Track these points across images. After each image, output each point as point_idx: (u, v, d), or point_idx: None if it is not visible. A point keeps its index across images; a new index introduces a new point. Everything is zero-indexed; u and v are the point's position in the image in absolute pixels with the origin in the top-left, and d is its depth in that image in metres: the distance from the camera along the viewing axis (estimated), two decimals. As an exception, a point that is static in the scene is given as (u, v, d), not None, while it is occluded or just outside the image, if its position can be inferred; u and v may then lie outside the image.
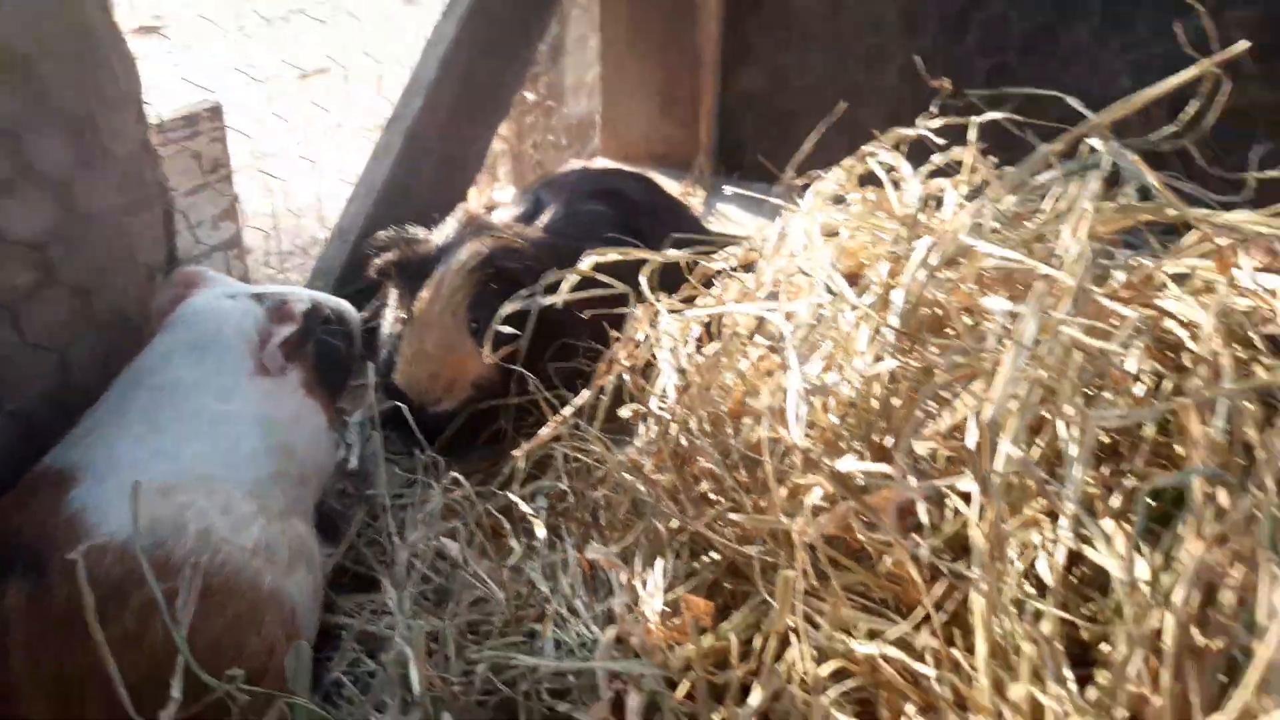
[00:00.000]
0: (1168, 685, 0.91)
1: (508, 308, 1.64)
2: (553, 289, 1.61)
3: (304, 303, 1.74)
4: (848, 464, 1.12)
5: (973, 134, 1.60)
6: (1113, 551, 0.96)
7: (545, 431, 1.58)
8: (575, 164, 3.33)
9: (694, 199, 3.01)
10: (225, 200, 2.30)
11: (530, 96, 4.95)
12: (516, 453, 1.58)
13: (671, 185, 3.12)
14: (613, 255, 1.65)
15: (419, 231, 2.05)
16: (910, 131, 1.63)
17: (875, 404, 1.34)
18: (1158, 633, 0.96)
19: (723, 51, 3.03)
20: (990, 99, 2.10)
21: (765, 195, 2.00)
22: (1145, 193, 1.78)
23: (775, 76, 2.99)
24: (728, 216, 2.92)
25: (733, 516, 1.24)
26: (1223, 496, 1.00)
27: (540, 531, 1.43)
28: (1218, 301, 1.13)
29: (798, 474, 1.20)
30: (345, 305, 1.87)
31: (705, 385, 1.48)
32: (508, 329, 1.66)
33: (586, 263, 1.63)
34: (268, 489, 1.49)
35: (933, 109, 1.70)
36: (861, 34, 2.78)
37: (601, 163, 3.32)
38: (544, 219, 2.20)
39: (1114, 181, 1.76)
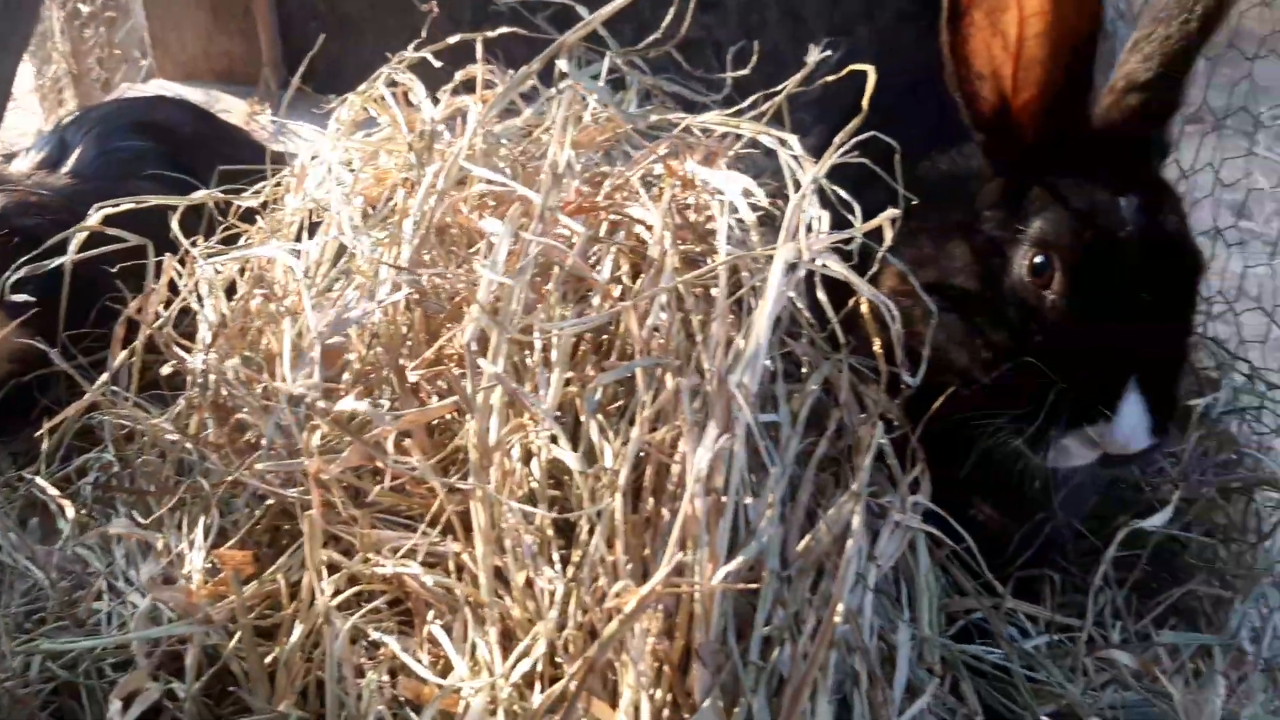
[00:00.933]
0: (620, 554, 1.06)
1: (15, 274, 1.52)
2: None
3: None
4: (348, 404, 1.18)
5: (479, 50, 1.66)
6: (569, 446, 1.10)
7: (77, 405, 1.50)
8: (115, 95, 3.05)
9: (262, 118, 2.87)
10: None
11: (85, 8, 4.39)
12: (40, 432, 1.50)
13: (238, 104, 2.96)
14: (126, 204, 1.56)
15: (-85, 194, 1.82)
16: (417, 54, 1.66)
17: (405, 330, 1.41)
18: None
19: (271, -46, 2.87)
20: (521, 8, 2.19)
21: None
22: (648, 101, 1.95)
23: (331, -20, 2.89)
24: (299, 134, 2.81)
25: (258, 466, 1.27)
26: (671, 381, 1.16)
27: (70, 512, 1.38)
28: (662, 204, 1.28)
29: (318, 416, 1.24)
30: None
31: (239, 332, 1.48)
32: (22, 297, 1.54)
33: (95, 216, 1.54)
34: None
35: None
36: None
37: (145, 89, 3.06)
38: (70, 163, 2.02)
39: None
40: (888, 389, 1.33)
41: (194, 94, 3.00)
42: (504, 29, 1.78)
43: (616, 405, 1.23)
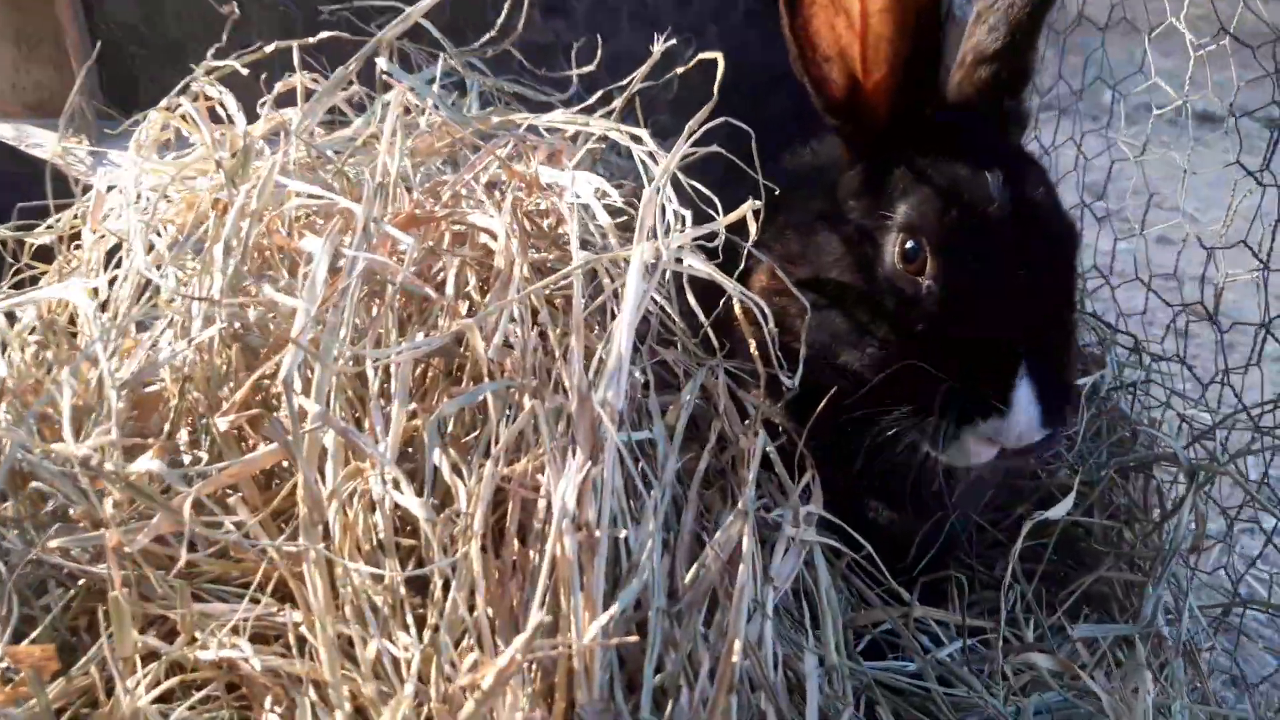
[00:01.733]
0: (483, 610, 0.92)
1: None
2: None
3: None
4: (142, 464, 1.00)
5: (296, 59, 1.49)
6: (413, 490, 0.95)
7: None
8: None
9: (79, 150, 2.61)
10: None
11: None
12: None
13: (52, 138, 2.70)
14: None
15: None
16: (226, 65, 1.48)
17: (223, 367, 1.23)
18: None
19: (78, -22, 2.62)
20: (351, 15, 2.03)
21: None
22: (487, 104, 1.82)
23: (149, 4, 2.65)
24: (117, 164, 2.57)
25: (53, 543, 1.08)
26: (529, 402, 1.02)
27: None
28: (505, 209, 1.14)
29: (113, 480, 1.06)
30: None
31: (33, 386, 1.27)
32: None
33: None
34: None
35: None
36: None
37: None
38: None
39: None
40: (769, 392, 1.22)
41: (2, 130, 2.73)
42: (325, 34, 1.63)
43: (474, 436, 1.08)
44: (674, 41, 1.45)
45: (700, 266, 1.06)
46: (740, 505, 1.10)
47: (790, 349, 1.19)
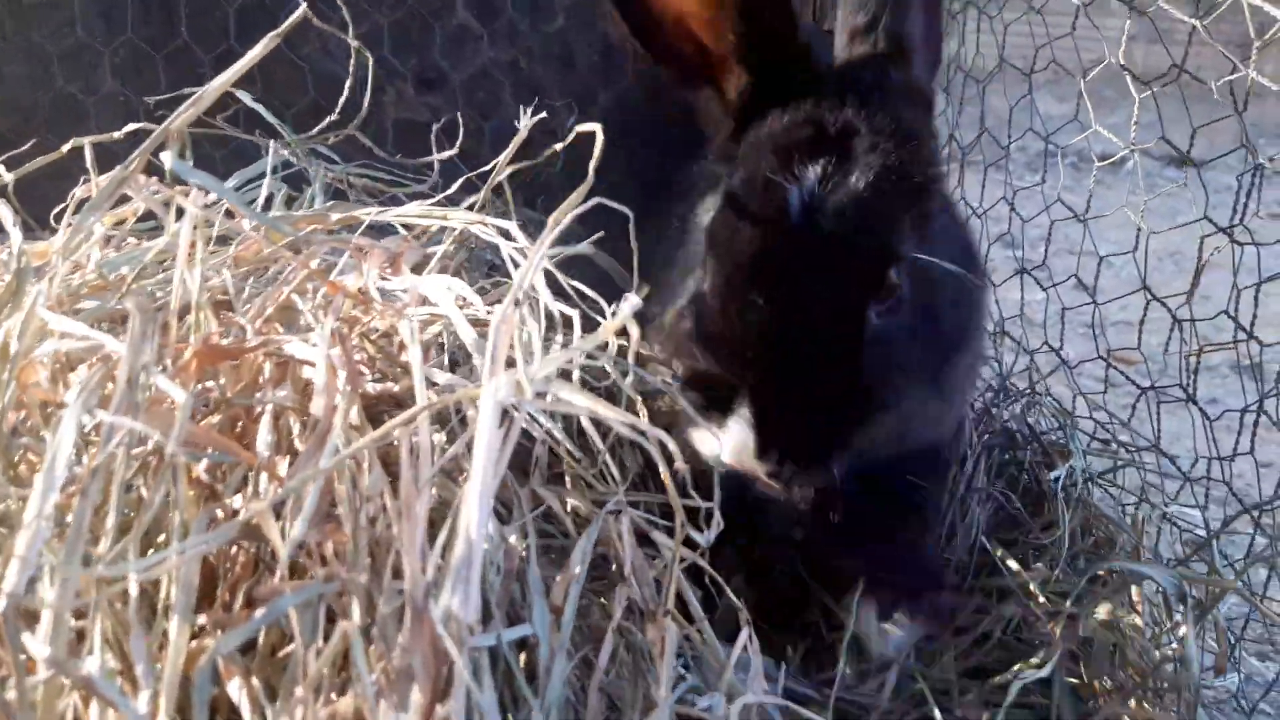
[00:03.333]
0: None
1: None
2: None
3: None
4: None
5: (90, 158, 1.22)
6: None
7: None
8: None
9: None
10: None
11: None
12: None
13: None
14: None
15: None
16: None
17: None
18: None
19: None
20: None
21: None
22: (341, 196, 1.57)
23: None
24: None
25: None
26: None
27: None
28: (322, 334, 0.88)
29: None
30: None
31: None
32: None
33: None
34: None
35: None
36: (58, 35, 2.25)
37: None
38: None
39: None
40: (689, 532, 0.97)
41: None
42: (133, 126, 1.36)
43: (282, 655, 0.80)
44: (542, 115, 1.22)
45: (578, 400, 0.81)
46: (662, 697, 0.85)
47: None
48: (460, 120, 1.88)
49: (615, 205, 0.99)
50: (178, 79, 2.26)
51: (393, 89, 2.23)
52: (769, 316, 1.08)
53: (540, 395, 0.79)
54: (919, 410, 1.23)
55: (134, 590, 0.73)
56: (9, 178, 1.24)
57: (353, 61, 1.54)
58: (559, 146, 1.32)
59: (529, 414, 0.95)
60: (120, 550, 0.77)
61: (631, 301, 0.82)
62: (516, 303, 0.82)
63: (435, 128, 1.59)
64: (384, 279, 1.01)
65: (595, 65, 2.23)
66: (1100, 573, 1.25)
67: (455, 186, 1.29)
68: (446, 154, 1.50)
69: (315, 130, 1.42)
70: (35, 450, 0.95)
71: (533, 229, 1.11)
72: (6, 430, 0.95)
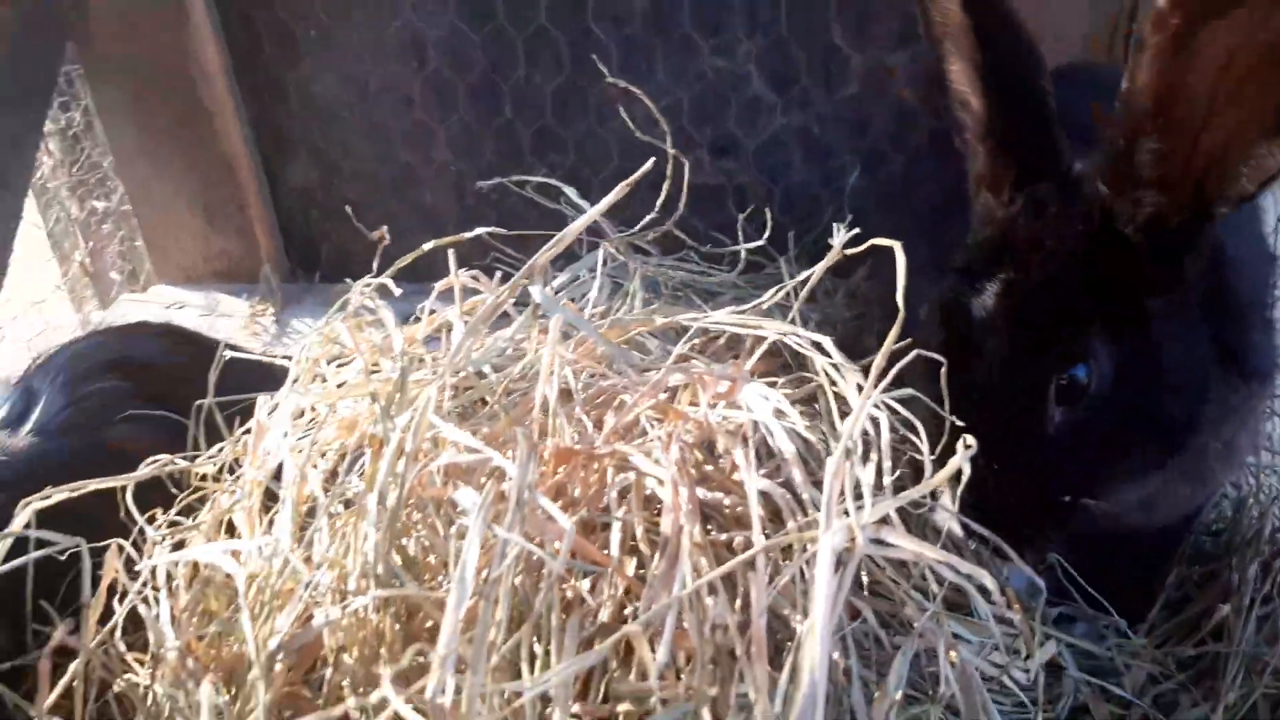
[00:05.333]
0: None
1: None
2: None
3: None
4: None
5: (452, 262, 1.42)
6: None
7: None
8: (110, 313, 2.92)
9: (264, 319, 2.69)
10: None
11: (99, 204, 4.36)
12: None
13: (240, 305, 2.80)
14: (59, 495, 1.34)
15: None
16: (378, 280, 1.42)
17: (379, 627, 1.14)
18: None
19: (260, 148, 2.73)
20: (512, 184, 1.98)
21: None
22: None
23: (325, 166, 2.73)
24: (303, 331, 2.63)
25: None
26: None
27: None
28: (669, 460, 1.00)
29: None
30: None
31: (189, 647, 1.22)
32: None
33: (21, 517, 1.31)
34: None
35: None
36: (397, 114, 2.58)
37: (143, 299, 2.92)
38: (34, 417, 1.82)
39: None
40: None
41: (194, 297, 2.86)
42: (482, 230, 1.56)
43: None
44: (855, 231, 1.29)
45: (905, 545, 0.88)
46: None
47: None
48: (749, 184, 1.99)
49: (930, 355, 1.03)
50: (502, 151, 2.54)
51: (691, 157, 2.38)
52: (957, 407, 1.09)
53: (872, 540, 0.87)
54: (1144, 494, 1.28)
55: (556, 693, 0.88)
56: (391, 285, 1.45)
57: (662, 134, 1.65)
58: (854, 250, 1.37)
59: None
60: (508, 654, 0.92)
61: (967, 450, 0.88)
62: (847, 452, 0.90)
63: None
64: (715, 403, 1.12)
65: (888, 130, 2.27)
66: None
67: (771, 295, 1.36)
68: (756, 244, 1.58)
69: (637, 228, 1.56)
70: (430, 539, 1.15)
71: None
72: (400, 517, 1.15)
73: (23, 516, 1.32)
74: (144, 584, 1.31)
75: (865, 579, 1.13)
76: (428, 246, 1.51)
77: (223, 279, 2.89)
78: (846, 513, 0.89)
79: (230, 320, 2.70)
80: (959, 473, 0.93)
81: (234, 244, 2.84)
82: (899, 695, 0.93)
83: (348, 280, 1.49)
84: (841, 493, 0.91)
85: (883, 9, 2.18)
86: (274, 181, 2.79)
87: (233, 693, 1.19)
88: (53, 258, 3.42)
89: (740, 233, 1.66)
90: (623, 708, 0.93)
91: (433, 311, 1.47)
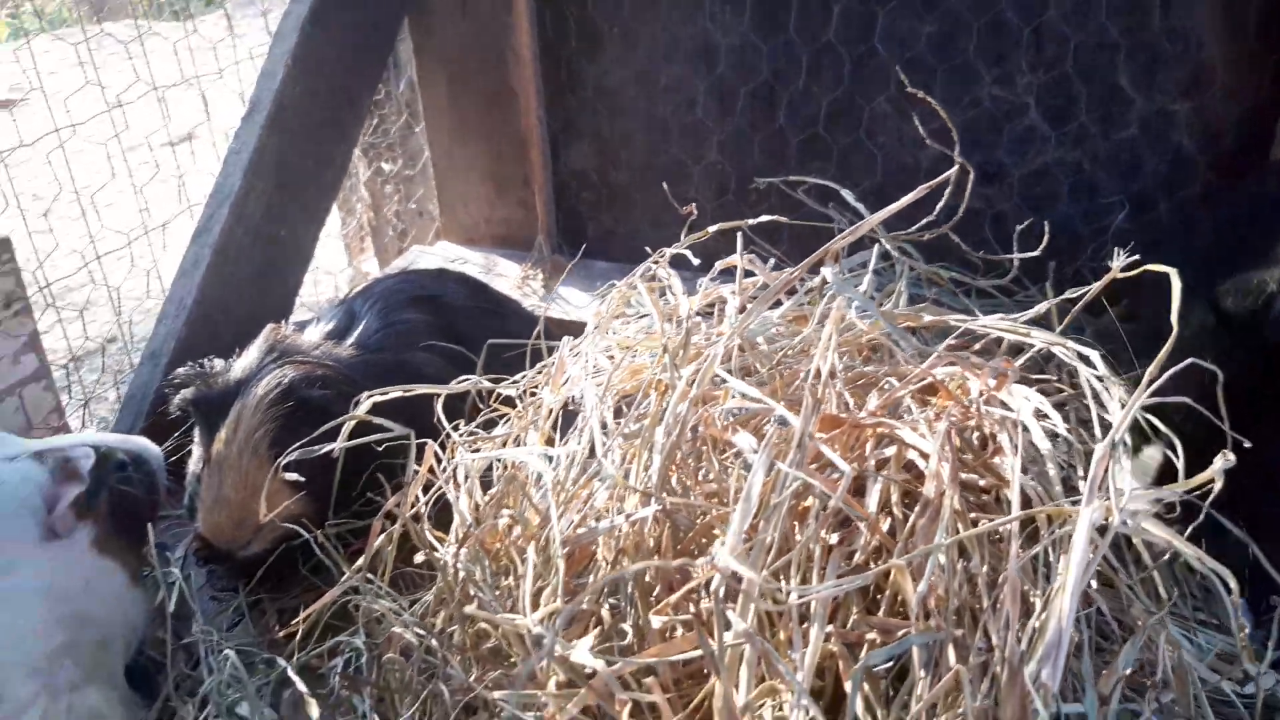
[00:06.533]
0: None
1: (293, 454, 1.59)
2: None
3: (89, 456, 1.66)
4: (582, 656, 1.08)
5: (739, 243, 1.60)
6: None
7: (332, 592, 1.52)
8: (404, 259, 3.28)
9: (534, 283, 2.98)
10: (24, 333, 2.21)
11: (388, 166, 4.87)
12: (296, 621, 1.52)
13: (513, 268, 3.10)
14: (394, 393, 1.61)
15: (217, 363, 1.97)
16: (671, 250, 1.62)
17: (651, 542, 1.32)
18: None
19: (549, 130, 3.02)
20: (783, 184, 2.14)
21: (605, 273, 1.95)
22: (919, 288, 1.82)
23: (604, 153, 2.99)
24: (568, 299, 2.89)
25: (496, 694, 1.20)
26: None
27: (314, 713, 1.36)
28: (938, 436, 1.13)
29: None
30: (142, 445, 1.80)
31: (490, 530, 1.45)
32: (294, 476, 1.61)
33: (364, 405, 1.58)
34: (57, 662, 1.44)
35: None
36: (679, 112, 2.79)
37: (432, 251, 3.28)
38: (356, 334, 2.14)
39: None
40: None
41: (475, 256, 3.19)
42: (765, 217, 1.72)
43: (887, 666, 1.07)
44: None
45: (1158, 533, 0.98)
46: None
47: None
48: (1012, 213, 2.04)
49: (1204, 365, 1.11)
50: (768, 156, 2.71)
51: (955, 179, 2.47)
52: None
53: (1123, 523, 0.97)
54: None
55: (793, 597, 1.04)
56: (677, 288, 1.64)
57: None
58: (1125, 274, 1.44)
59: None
60: (776, 577, 1.08)
61: (1227, 458, 0.97)
62: (1112, 447, 1.00)
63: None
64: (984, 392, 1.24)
65: (1160, 175, 2.28)
66: None
67: (1043, 307, 1.46)
68: (1027, 254, 1.67)
69: (913, 228, 1.68)
70: (707, 471, 1.32)
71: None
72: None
73: (366, 405, 1.60)
74: (449, 476, 1.56)
75: (1094, 583, 1.22)
76: (713, 230, 1.71)
77: (500, 244, 3.21)
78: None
79: (504, 280, 3.00)
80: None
81: (515, 213, 3.16)
82: (1127, 671, 1.02)
83: (603, 261, 1.71)
84: (1102, 481, 1.01)
85: (1172, 59, 2.20)
86: (556, 162, 3.08)
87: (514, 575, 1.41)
88: (334, 210, 3.88)
89: (1015, 245, 1.74)
90: (870, 636, 1.06)
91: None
